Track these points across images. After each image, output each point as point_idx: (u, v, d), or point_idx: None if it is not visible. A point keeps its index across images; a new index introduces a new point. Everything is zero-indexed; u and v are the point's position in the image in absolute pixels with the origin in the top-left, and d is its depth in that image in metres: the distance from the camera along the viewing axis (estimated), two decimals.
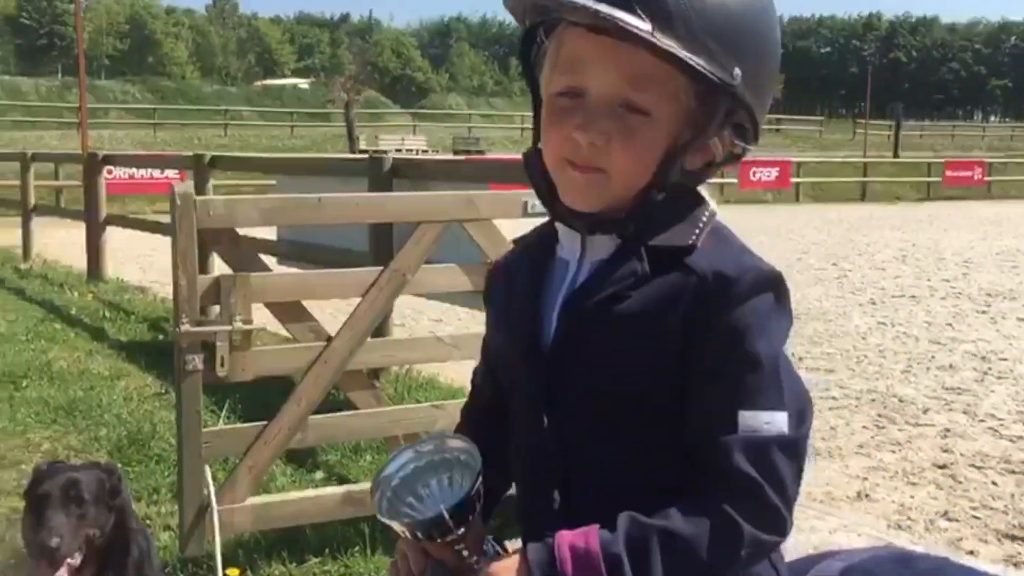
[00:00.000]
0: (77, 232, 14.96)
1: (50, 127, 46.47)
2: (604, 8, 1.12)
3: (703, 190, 1.33)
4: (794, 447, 1.18)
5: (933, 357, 8.55)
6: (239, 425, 4.41)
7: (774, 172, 32.63)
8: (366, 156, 8.75)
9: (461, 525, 1.23)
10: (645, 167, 1.21)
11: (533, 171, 1.28)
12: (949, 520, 4.77)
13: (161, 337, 8.85)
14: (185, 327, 3.93)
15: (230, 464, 4.71)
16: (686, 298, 1.19)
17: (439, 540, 1.24)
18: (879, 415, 6.68)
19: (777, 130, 62.86)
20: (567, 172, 1.22)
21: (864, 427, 6.41)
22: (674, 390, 1.20)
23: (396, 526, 1.25)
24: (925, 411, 6.78)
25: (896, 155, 42.57)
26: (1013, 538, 4.57)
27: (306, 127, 51.70)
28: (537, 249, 1.33)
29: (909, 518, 4.75)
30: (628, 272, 1.22)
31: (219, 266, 7.44)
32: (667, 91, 1.19)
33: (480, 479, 1.23)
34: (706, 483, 1.17)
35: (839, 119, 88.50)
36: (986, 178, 36.74)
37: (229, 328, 3.97)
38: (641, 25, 1.12)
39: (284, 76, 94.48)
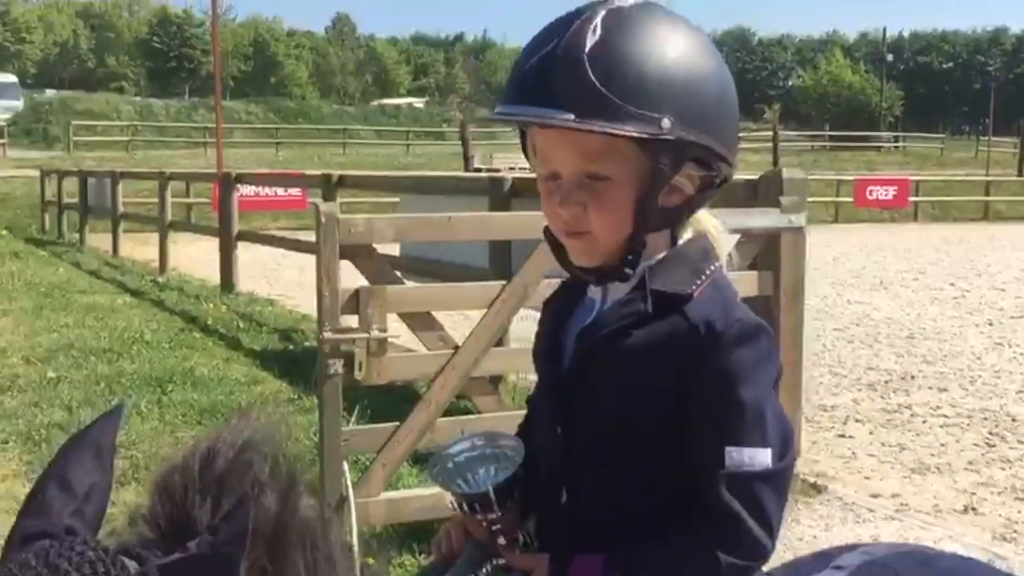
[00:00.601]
0: (206, 247, 15.80)
1: (179, 146, 48.49)
2: (533, 112, 1.35)
3: (716, 242, 1.51)
4: (776, 479, 1.37)
5: None
6: (375, 425, 4.77)
7: (891, 191, 31.95)
8: (481, 175, 9.09)
9: (500, 507, 1.46)
10: (621, 220, 1.41)
11: (551, 240, 1.51)
12: None
13: (291, 347, 9.37)
14: (327, 334, 4.31)
15: (360, 464, 5.09)
16: (680, 342, 1.38)
17: (480, 516, 1.48)
18: (991, 433, 6.72)
19: (896, 147, 61.49)
20: (565, 240, 1.46)
21: (975, 444, 6.47)
22: (663, 417, 1.39)
23: (448, 494, 1.51)
24: None
25: (1021, 173, 41.30)
26: None
27: (422, 145, 52.81)
28: (575, 289, 1.55)
29: (1015, 531, 4.85)
30: (633, 312, 1.42)
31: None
32: (617, 155, 1.38)
33: (519, 472, 1.46)
34: (695, 513, 1.37)
35: (962, 137, 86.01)
36: None
37: (367, 336, 4.34)
38: (565, 116, 1.33)
39: (400, 95, 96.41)
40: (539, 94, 1.35)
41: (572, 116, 1.33)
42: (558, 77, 1.34)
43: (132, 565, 1.04)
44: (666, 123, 1.36)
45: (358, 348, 4.35)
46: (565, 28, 1.37)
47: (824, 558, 1.73)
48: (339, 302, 4.33)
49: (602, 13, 1.37)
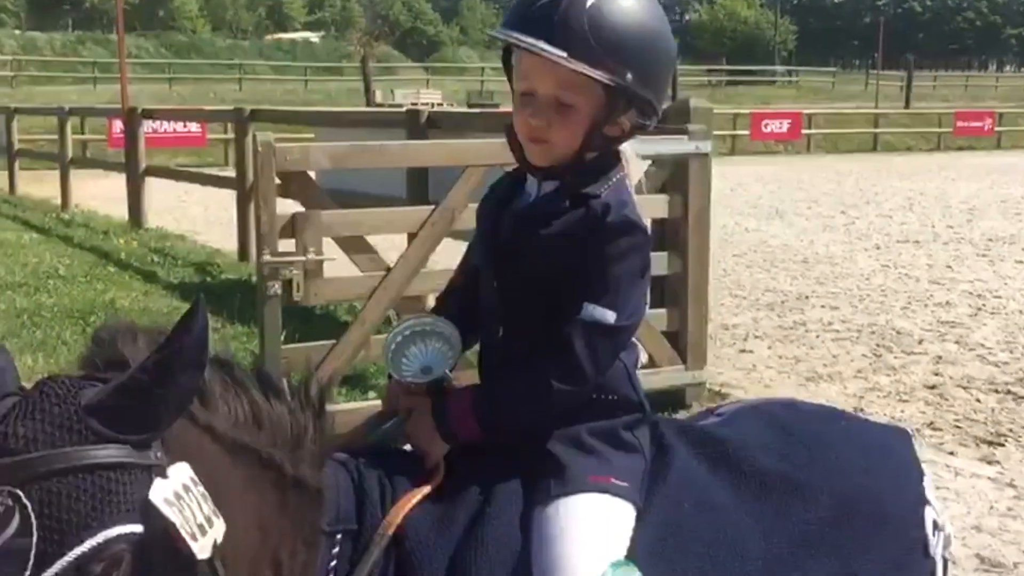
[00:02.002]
0: (106, 184, 15.58)
1: (66, 82, 46.84)
2: (534, 42, 1.71)
3: (625, 155, 1.90)
4: (612, 333, 1.78)
5: (931, 295, 9.12)
6: (312, 343, 5.01)
7: (785, 124, 32.86)
8: (399, 108, 9.18)
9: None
10: (574, 139, 1.79)
11: (511, 139, 1.87)
12: (934, 430, 5.37)
13: (208, 280, 9.47)
14: (266, 257, 4.52)
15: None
16: (584, 226, 1.79)
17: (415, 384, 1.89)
18: (877, 345, 7.27)
19: (789, 82, 62.82)
20: (527, 141, 1.82)
21: (863, 355, 7.00)
22: (569, 278, 1.79)
23: (396, 375, 1.89)
24: (920, 342, 7.37)
25: (907, 106, 42.73)
26: (990, 443, 5.18)
27: (319, 81, 52.00)
28: (514, 181, 1.93)
29: None
30: (556, 203, 1.82)
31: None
32: (585, 91, 1.76)
33: (455, 358, 1.88)
34: (545, 348, 1.78)
35: (852, 71, 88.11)
36: (996, 128, 36.87)
37: (304, 259, 4.56)
38: (558, 52, 1.70)
39: (295, 30, 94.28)
40: (543, 30, 1.72)
41: (565, 54, 1.71)
42: (561, 22, 1.71)
43: (96, 384, 1.36)
44: (629, 77, 1.76)
45: (295, 271, 4.58)
46: None
47: (709, 411, 2.11)
48: (276, 227, 4.54)
49: None
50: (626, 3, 1.76)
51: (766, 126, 32.49)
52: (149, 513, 1.32)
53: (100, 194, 15.64)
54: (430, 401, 1.84)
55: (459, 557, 1.65)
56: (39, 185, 17.16)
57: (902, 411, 5.68)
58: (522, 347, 1.83)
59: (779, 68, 71.03)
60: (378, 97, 36.92)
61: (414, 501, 1.68)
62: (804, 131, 33.22)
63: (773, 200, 17.84)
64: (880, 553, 1.88)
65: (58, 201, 15.30)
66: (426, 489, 1.71)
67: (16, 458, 1.28)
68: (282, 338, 6.41)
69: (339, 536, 1.63)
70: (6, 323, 7.23)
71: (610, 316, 1.77)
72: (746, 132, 31.66)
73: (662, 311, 5.62)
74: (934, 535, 1.95)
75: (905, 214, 15.83)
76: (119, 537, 1.30)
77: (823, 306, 8.67)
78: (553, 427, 1.80)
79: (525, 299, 1.84)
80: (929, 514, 1.95)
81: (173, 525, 1.33)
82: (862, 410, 5.68)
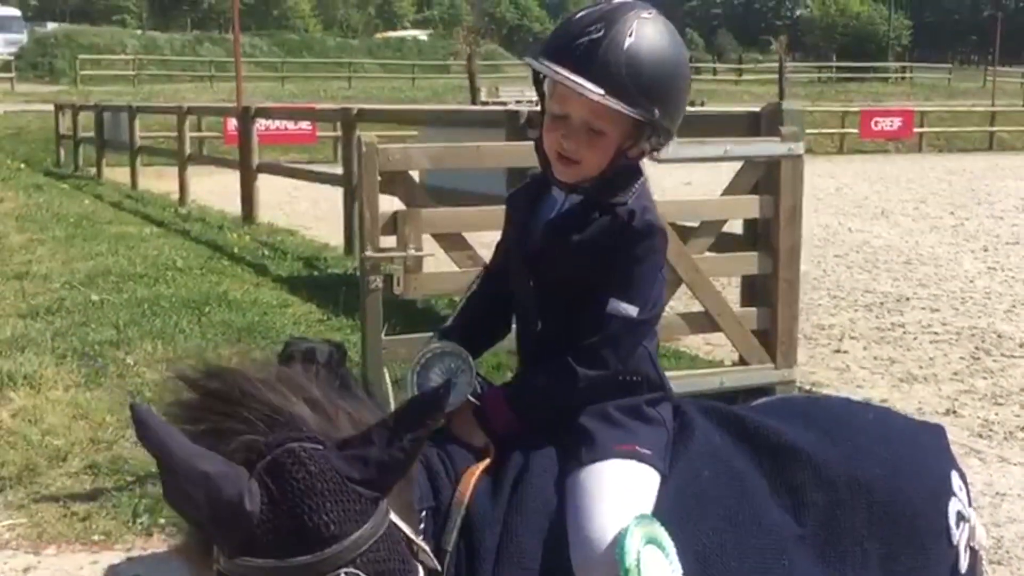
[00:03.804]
0: (222, 179, 16.20)
1: (185, 80, 48.48)
2: (576, 79, 1.87)
3: (644, 165, 2.09)
4: (634, 325, 1.98)
5: None
6: (411, 335, 5.23)
7: (896, 122, 32.09)
8: (498, 108, 9.39)
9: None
10: (601, 161, 1.96)
11: (539, 151, 2.03)
12: None
13: (316, 273, 9.84)
14: (368, 253, 4.76)
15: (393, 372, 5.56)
16: (610, 231, 1.96)
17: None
18: (977, 348, 7.20)
19: (903, 78, 61.25)
20: (556, 159, 1.98)
21: (961, 358, 6.95)
22: (593, 279, 1.97)
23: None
24: (1022, 345, 7.27)
25: None
26: None
27: (426, 79, 52.72)
28: (541, 187, 2.08)
29: (991, 430, 5.34)
30: (584, 212, 1.99)
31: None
32: (615, 121, 1.93)
33: (472, 372, 2.06)
34: (576, 339, 1.96)
35: (970, 66, 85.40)
36: None
37: (404, 254, 4.79)
38: (596, 90, 1.86)
39: (404, 28, 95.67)
40: (584, 68, 1.89)
41: (603, 91, 1.88)
42: (601, 62, 1.88)
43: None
44: (656, 113, 1.94)
45: (396, 266, 4.81)
46: (611, 22, 1.90)
47: (744, 405, 2.25)
48: (379, 224, 4.77)
49: (635, 22, 1.91)
50: (658, 44, 1.92)
51: (876, 124, 31.74)
52: (411, 546, 1.57)
53: (218, 189, 16.25)
54: (468, 403, 2.03)
55: (506, 520, 1.85)
56: (158, 180, 17.92)
57: (996, 414, 5.65)
58: (557, 337, 2.01)
59: (892, 64, 69.25)
60: (483, 94, 37.36)
61: (475, 476, 1.88)
62: (916, 129, 32.42)
63: (879, 200, 17.55)
64: (896, 539, 1.98)
65: (176, 196, 15.96)
66: (484, 464, 1.92)
67: (345, 541, 1.46)
68: (384, 330, 6.72)
69: (424, 513, 1.82)
70: (128, 312, 7.66)
71: (633, 311, 1.96)
72: (855, 130, 31.06)
73: (752, 310, 5.70)
74: (958, 526, 2.04)
75: (1017, 215, 15.43)
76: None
77: (923, 308, 8.59)
78: (583, 407, 1.98)
79: (558, 297, 2.03)
80: (953, 506, 2.05)
81: (412, 540, 1.57)
82: (955, 412, 5.67)
